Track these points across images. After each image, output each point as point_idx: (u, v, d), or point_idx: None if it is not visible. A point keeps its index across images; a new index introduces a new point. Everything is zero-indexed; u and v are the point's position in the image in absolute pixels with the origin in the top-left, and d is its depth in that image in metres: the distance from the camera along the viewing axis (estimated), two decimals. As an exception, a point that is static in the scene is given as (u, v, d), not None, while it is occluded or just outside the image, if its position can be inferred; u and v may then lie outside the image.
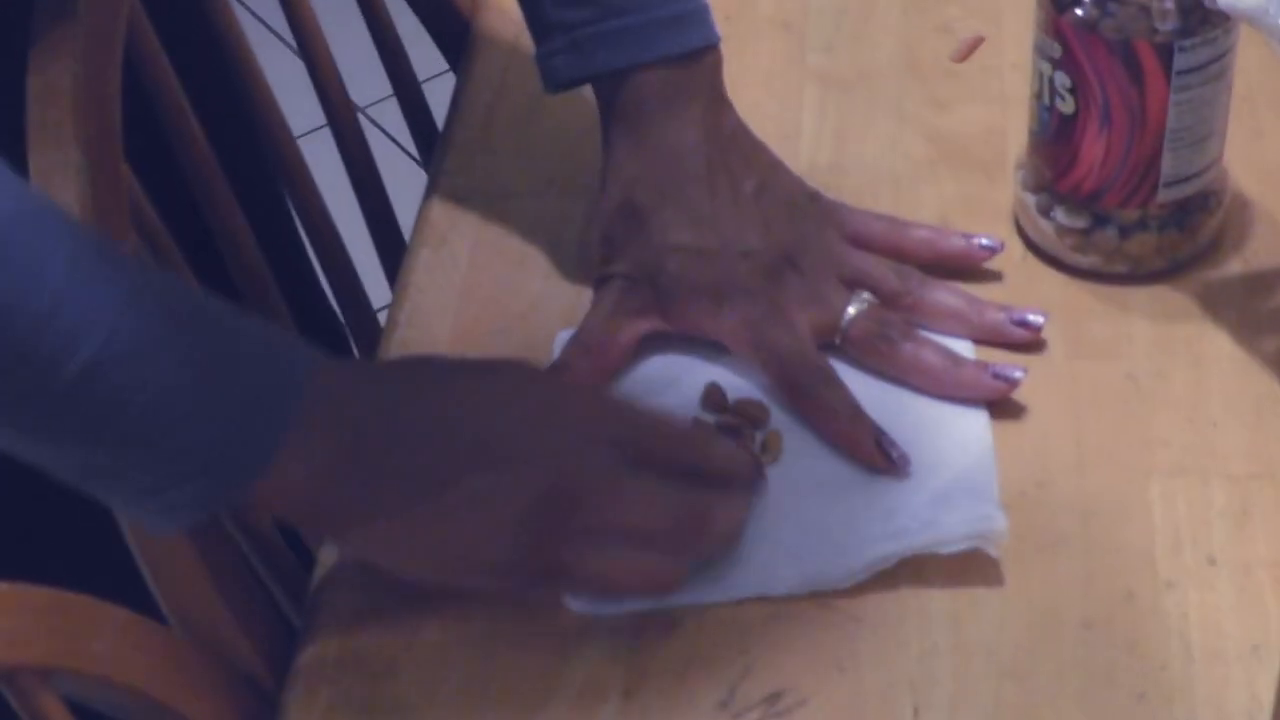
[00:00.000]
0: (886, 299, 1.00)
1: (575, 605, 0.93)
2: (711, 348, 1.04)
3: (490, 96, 1.24)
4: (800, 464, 0.99)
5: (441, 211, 1.17)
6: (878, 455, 0.96)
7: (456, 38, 1.34)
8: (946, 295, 1.01)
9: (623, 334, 1.02)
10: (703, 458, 0.93)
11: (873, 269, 1.01)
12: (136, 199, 1.04)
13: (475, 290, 1.11)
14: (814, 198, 1.06)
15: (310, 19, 1.25)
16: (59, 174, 0.93)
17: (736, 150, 1.05)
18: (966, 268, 1.04)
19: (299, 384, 0.86)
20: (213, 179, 1.14)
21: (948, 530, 0.93)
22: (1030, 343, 1.00)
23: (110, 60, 1.01)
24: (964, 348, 1.03)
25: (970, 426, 1.00)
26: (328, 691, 0.92)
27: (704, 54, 1.06)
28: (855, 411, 0.97)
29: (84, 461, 0.84)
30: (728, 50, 1.10)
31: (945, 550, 0.93)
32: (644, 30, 1.04)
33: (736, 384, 1.03)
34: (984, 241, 1.04)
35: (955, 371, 0.98)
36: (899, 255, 1.03)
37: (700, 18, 1.07)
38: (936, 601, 0.92)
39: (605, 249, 1.05)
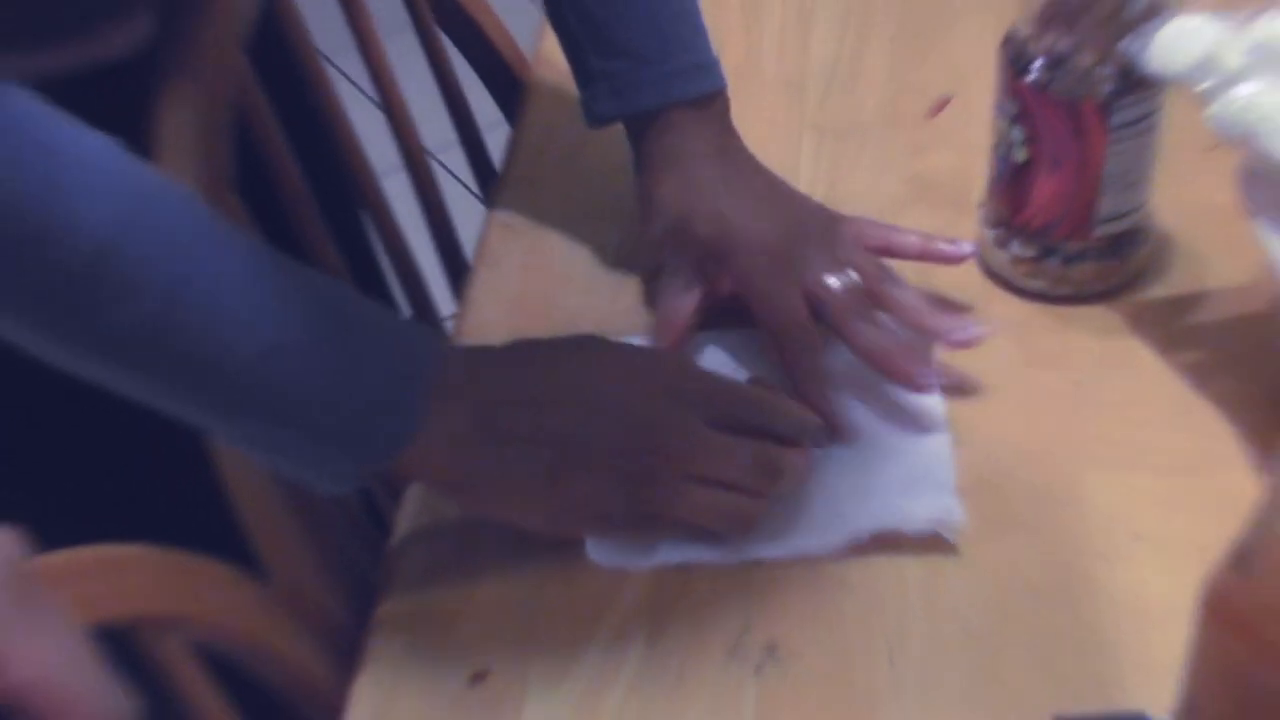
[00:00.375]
0: (867, 285, 1.01)
1: (596, 557, 0.94)
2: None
3: (538, 143, 1.25)
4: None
5: (498, 238, 1.17)
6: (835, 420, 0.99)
7: (511, 93, 1.34)
8: (911, 296, 1.01)
9: (682, 309, 1.04)
10: (770, 415, 0.95)
11: (862, 262, 1.02)
12: (243, 226, 1.05)
13: (524, 303, 1.12)
14: (818, 203, 1.08)
15: (389, 77, 1.26)
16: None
17: (743, 166, 1.07)
18: (948, 263, 1.05)
19: (435, 367, 0.89)
20: (307, 210, 1.14)
21: (913, 515, 0.94)
22: (968, 347, 1.00)
23: (222, 110, 1.02)
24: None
25: (928, 425, 1.00)
26: (402, 639, 0.93)
27: (715, 96, 1.09)
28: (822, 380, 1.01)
29: (256, 433, 0.88)
30: (739, 103, 1.12)
31: (910, 531, 0.94)
32: (670, 78, 1.07)
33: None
34: (966, 247, 1.04)
35: (891, 357, 0.99)
36: (890, 253, 1.04)
37: (712, 68, 1.09)
38: (910, 570, 0.93)
39: (651, 243, 1.08)
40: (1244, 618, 0.68)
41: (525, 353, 0.95)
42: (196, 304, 0.81)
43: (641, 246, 1.10)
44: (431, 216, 1.31)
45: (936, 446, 0.99)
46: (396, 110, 1.27)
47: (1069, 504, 0.96)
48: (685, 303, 1.04)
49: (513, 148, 1.26)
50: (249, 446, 0.89)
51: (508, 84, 1.35)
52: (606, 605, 0.93)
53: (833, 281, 1.01)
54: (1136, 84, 0.98)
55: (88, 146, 0.80)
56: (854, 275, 1.01)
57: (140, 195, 0.81)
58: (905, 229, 1.05)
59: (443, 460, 0.90)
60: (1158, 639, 0.87)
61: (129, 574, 0.84)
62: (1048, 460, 0.98)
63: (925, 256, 1.04)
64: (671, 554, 0.95)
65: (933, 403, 1.01)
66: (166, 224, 0.81)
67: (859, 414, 1.02)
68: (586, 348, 0.96)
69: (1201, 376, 1.02)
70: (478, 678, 0.90)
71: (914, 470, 0.98)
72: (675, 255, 1.05)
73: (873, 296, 1.01)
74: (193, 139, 0.98)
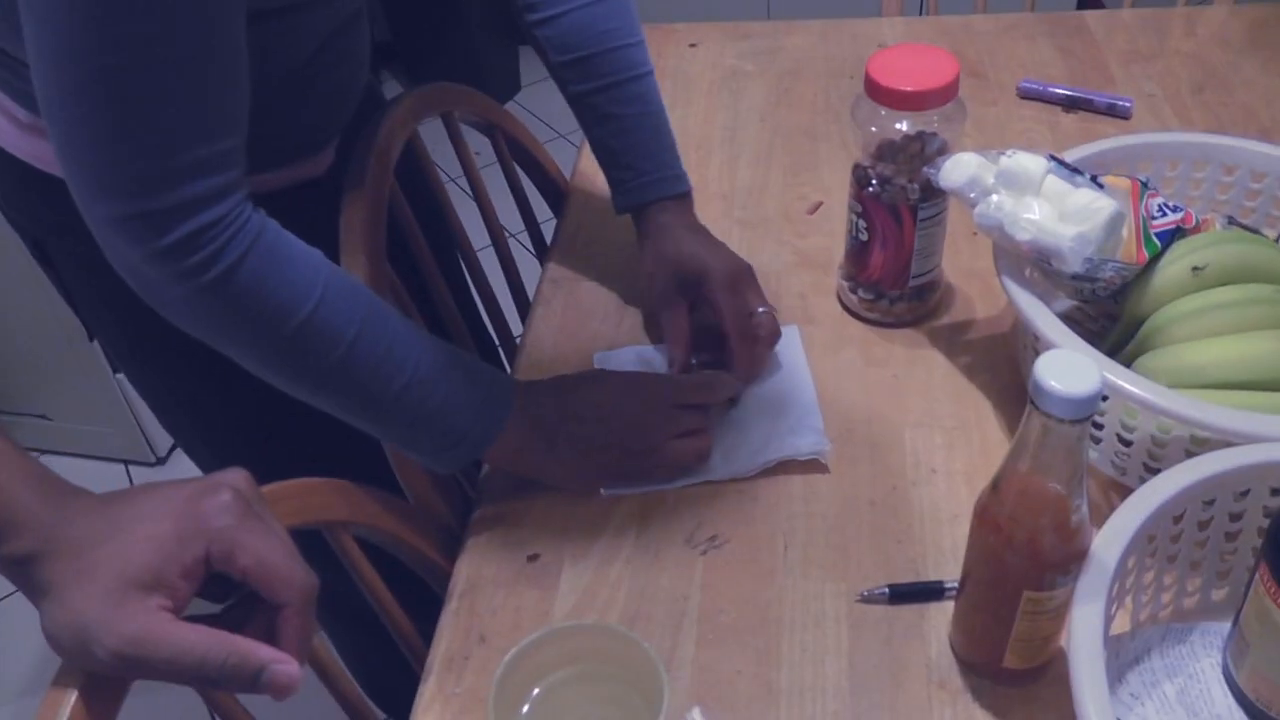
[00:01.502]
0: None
1: (606, 491, 0.92)
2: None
3: (574, 230, 1.21)
4: (717, 412, 0.98)
5: (548, 288, 1.14)
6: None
7: (557, 199, 1.31)
8: (768, 319, 1.00)
9: (679, 313, 1.02)
10: (708, 392, 0.95)
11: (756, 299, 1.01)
12: (394, 287, 1.02)
13: (565, 331, 1.09)
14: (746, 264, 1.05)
15: (483, 188, 1.23)
16: (355, 271, 0.92)
17: (703, 236, 1.05)
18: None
19: (510, 395, 0.89)
20: (432, 272, 1.12)
21: (801, 447, 0.92)
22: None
23: (381, 210, 1.00)
24: (796, 344, 1.03)
25: (805, 392, 0.98)
26: (487, 533, 0.90)
27: (685, 195, 1.07)
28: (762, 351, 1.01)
29: (399, 436, 0.86)
30: (696, 205, 1.09)
31: (799, 457, 0.92)
32: (657, 182, 1.06)
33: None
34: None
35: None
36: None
37: (684, 177, 1.08)
38: (796, 489, 0.90)
39: (649, 277, 1.05)
40: (995, 520, 0.66)
41: (563, 386, 0.93)
42: (365, 354, 0.80)
43: (642, 285, 1.08)
44: (508, 275, 1.27)
45: (809, 405, 0.97)
46: (486, 208, 1.23)
47: (892, 449, 0.93)
48: (682, 318, 1.02)
49: (557, 232, 1.23)
50: (398, 443, 0.88)
51: (555, 193, 1.32)
52: (611, 514, 0.91)
53: (761, 309, 0.99)
54: (932, 194, 0.95)
55: (302, 249, 0.80)
56: (773, 308, 1.01)
57: (332, 281, 0.80)
58: (760, 294, 1.02)
59: (514, 453, 0.89)
60: (946, 535, 0.86)
61: (322, 496, 0.82)
62: (878, 422, 0.95)
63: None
64: (651, 484, 0.92)
65: (806, 378, 1.00)
66: (348, 302, 0.80)
67: (766, 387, 1.00)
68: (600, 382, 0.94)
69: (971, 371, 0.99)
70: (532, 558, 0.87)
71: (798, 419, 0.95)
72: (664, 283, 1.03)
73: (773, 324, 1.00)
74: (362, 229, 0.96)
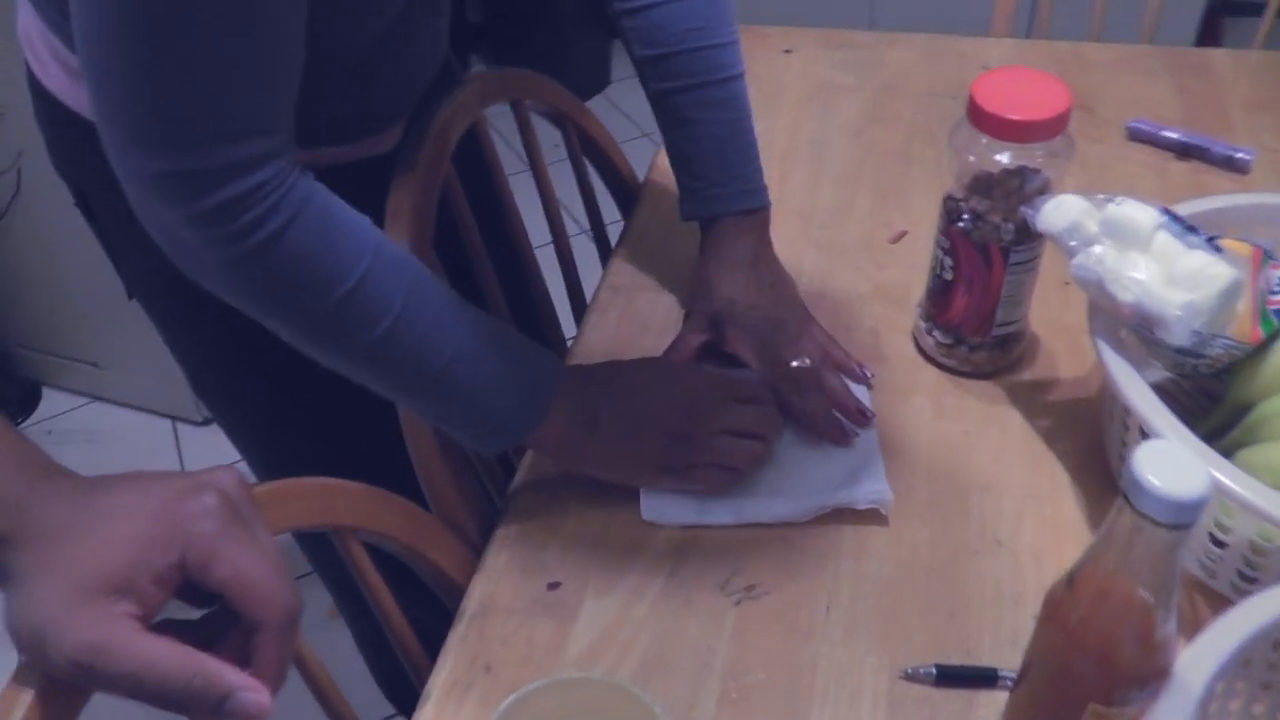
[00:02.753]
0: (815, 369, 0.93)
1: (646, 516, 0.85)
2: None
3: (640, 234, 1.15)
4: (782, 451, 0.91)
5: (606, 295, 1.08)
6: (836, 432, 0.91)
7: (628, 201, 1.24)
8: (834, 380, 0.93)
9: (693, 341, 0.97)
10: (760, 396, 0.90)
11: (813, 352, 0.94)
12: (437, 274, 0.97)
13: (618, 340, 1.02)
14: (802, 305, 0.99)
15: (546, 180, 1.17)
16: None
17: (765, 264, 0.99)
18: (853, 378, 0.95)
19: (555, 378, 0.84)
20: (485, 268, 1.06)
21: (860, 495, 0.85)
22: (860, 421, 0.92)
23: (432, 197, 0.94)
24: (862, 393, 0.95)
25: (867, 434, 0.90)
26: (508, 553, 0.84)
27: (760, 210, 1.01)
28: (817, 405, 0.92)
29: (441, 415, 0.82)
30: (772, 224, 1.02)
31: (856, 506, 0.84)
32: (728, 195, 1.00)
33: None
34: (866, 370, 0.96)
35: (827, 420, 0.91)
36: (826, 355, 0.95)
37: (761, 191, 1.02)
38: (847, 545, 0.83)
39: (693, 298, 1.00)
40: (1066, 620, 0.59)
41: (609, 369, 0.89)
42: (409, 329, 0.76)
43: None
44: (567, 276, 1.21)
45: (871, 449, 0.89)
46: (550, 204, 1.17)
47: (956, 513, 0.85)
48: (692, 341, 0.97)
49: (623, 235, 1.16)
50: (438, 422, 0.83)
51: (625, 194, 1.26)
52: (644, 547, 0.84)
53: (795, 363, 0.93)
54: (1027, 236, 0.88)
55: (350, 217, 0.75)
56: (808, 360, 0.93)
57: (381, 251, 0.75)
58: (838, 345, 0.97)
59: (557, 437, 0.84)
60: (1007, 617, 0.78)
61: (331, 498, 0.77)
62: (943, 482, 0.87)
63: (844, 368, 0.95)
64: (694, 517, 0.85)
65: (867, 430, 0.92)
66: (394, 274, 0.76)
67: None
68: (647, 365, 0.91)
69: (1049, 436, 0.91)
70: (553, 585, 0.81)
71: (859, 464, 0.87)
72: (700, 309, 0.98)
73: (816, 377, 0.93)
74: (410, 214, 0.90)
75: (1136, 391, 0.75)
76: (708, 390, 0.88)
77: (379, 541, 0.80)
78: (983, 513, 0.85)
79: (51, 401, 2.36)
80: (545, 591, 0.81)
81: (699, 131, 0.98)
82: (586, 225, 1.24)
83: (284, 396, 1.02)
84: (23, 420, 2.32)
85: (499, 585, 0.82)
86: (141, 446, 2.27)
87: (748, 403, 0.88)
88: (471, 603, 0.81)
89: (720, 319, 0.96)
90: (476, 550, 0.86)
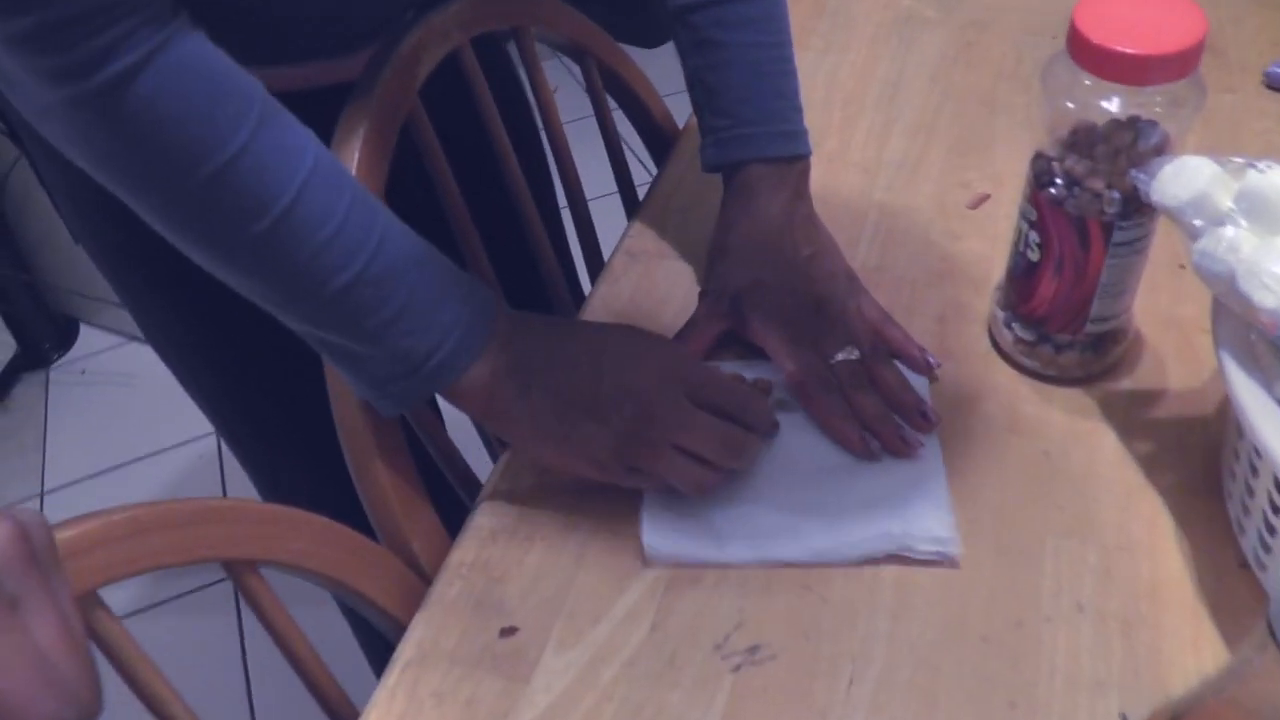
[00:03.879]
0: (864, 359, 0.76)
1: (650, 553, 0.68)
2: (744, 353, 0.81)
3: (669, 191, 0.97)
4: (804, 459, 0.73)
5: (621, 263, 0.90)
6: (859, 443, 0.72)
7: (663, 151, 1.06)
8: (888, 371, 0.75)
9: (708, 331, 0.81)
10: (741, 406, 0.71)
11: (862, 335, 0.77)
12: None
13: (629, 318, 0.85)
14: (850, 275, 0.81)
15: (557, 127, 0.99)
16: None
17: (803, 227, 0.81)
18: (915, 368, 0.77)
19: (491, 319, 0.69)
20: (467, 231, 0.89)
21: (918, 538, 0.67)
22: (920, 425, 0.74)
23: (384, 134, 0.77)
24: (922, 387, 0.76)
25: (929, 458, 0.72)
26: (459, 586, 0.67)
27: (797, 160, 0.83)
28: (845, 412, 0.74)
29: (336, 345, 0.67)
30: (828, 179, 0.88)
31: (914, 554, 0.66)
32: (759, 138, 0.82)
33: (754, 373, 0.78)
34: (930, 358, 0.77)
35: (882, 422, 0.73)
36: (881, 337, 0.78)
37: (800, 136, 0.84)
38: (883, 597, 0.65)
39: (709, 273, 0.83)
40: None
41: (562, 330, 0.73)
42: (305, 223, 0.62)
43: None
44: (584, 242, 1.04)
45: (935, 478, 0.71)
46: (563, 158, 1.00)
47: (1026, 562, 0.66)
48: (707, 330, 0.80)
49: (649, 194, 0.99)
50: (332, 356, 0.68)
51: (660, 144, 1.08)
52: (625, 589, 0.67)
53: (839, 355, 0.75)
54: (1136, 210, 0.69)
55: (230, 72, 0.61)
56: (854, 352, 0.76)
57: (266, 122, 0.61)
58: (893, 322, 0.78)
59: (483, 393, 0.69)
60: (1083, 710, 0.59)
61: (219, 524, 0.61)
62: (1013, 518, 0.68)
63: (902, 351, 0.77)
64: (707, 552, 0.68)
65: (930, 442, 0.73)
66: (281, 159, 0.61)
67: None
68: (608, 335, 0.73)
69: (1151, 466, 0.71)
70: (507, 631, 0.65)
71: (919, 498, 0.69)
72: (717, 288, 0.81)
73: (867, 369, 0.75)
74: (360, 159, 0.73)
75: (1273, 430, 0.56)
76: (670, 387, 0.69)
77: (292, 574, 0.64)
78: (1060, 565, 0.66)
79: (89, 340, 2.27)
80: (497, 639, 0.64)
81: (725, 56, 0.81)
82: (613, 185, 1.06)
83: (228, 363, 0.89)
84: (58, 357, 2.23)
85: (444, 627, 0.65)
86: (177, 392, 2.16)
87: (723, 407, 0.70)
88: (408, 647, 0.65)
89: (742, 303, 0.78)
90: (426, 577, 0.71)
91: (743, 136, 0.82)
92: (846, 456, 0.73)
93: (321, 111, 0.70)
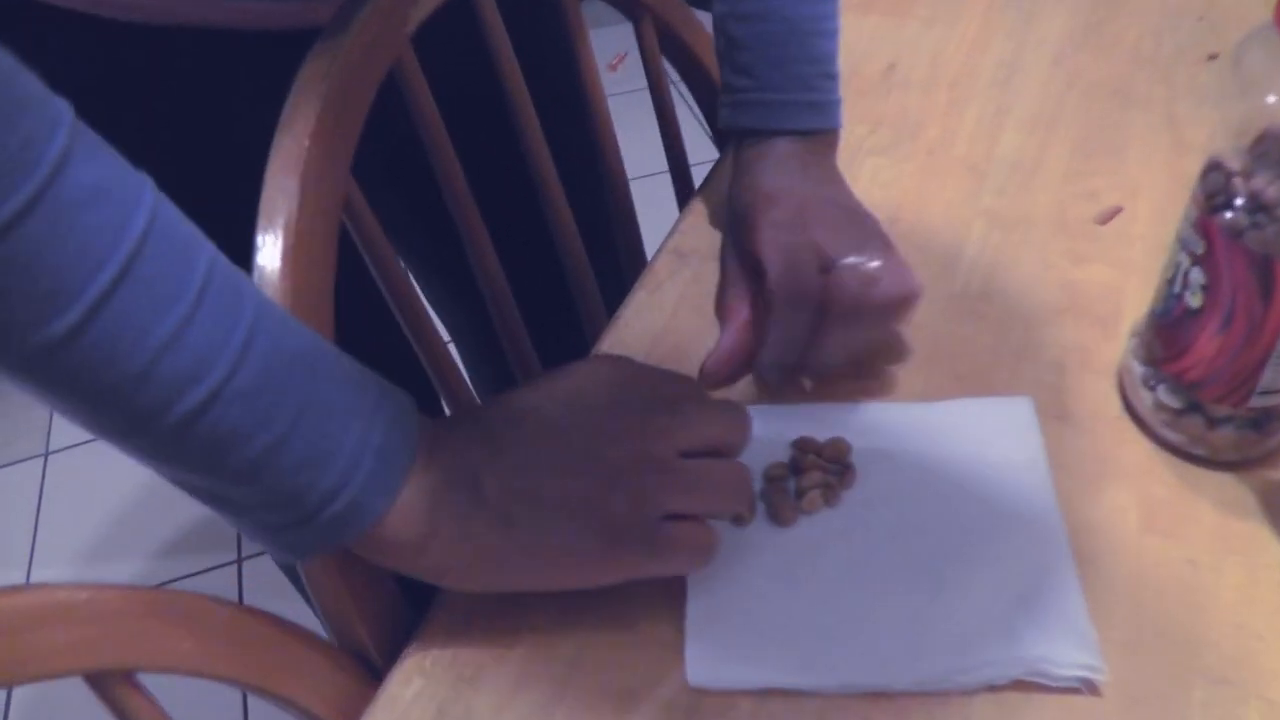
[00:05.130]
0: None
1: (695, 680, 0.51)
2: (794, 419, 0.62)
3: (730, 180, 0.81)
4: (894, 556, 0.56)
5: (664, 264, 0.74)
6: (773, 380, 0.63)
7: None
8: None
9: (740, 304, 0.66)
10: (721, 438, 0.53)
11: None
12: (364, 228, 0.64)
13: (668, 335, 0.68)
14: (870, 228, 0.66)
15: (597, 94, 0.82)
16: (279, 200, 0.54)
17: (819, 207, 0.66)
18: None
19: (412, 432, 0.49)
20: (472, 220, 0.72)
21: (1059, 666, 0.50)
22: None
23: (358, 91, 0.60)
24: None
25: (1055, 547, 0.55)
26: (419, 684, 0.52)
27: (825, 134, 0.71)
28: (792, 344, 0.62)
29: (206, 488, 0.45)
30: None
31: (1051, 680, 0.50)
32: (783, 107, 0.70)
33: (820, 433, 0.61)
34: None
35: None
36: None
37: (830, 108, 0.71)
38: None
39: (728, 239, 0.71)
40: None
41: (494, 405, 0.53)
42: (125, 322, 0.40)
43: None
44: (627, 234, 0.88)
45: (1065, 579, 0.54)
46: (603, 129, 0.83)
47: (1162, 716, 0.49)
48: (738, 315, 0.65)
49: (706, 181, 0.82)
50: (203, 500, 0.47)
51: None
52: (631, 711, 0.50)
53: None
54: (1344, 252, 0.52)
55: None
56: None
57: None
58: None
59: (416, 533, 0.48)
60: None
61: (81, 624, 0.45)
62: (1150, 659, 0.51)
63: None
64: (778, 677, 0.51)
65: (1056, 531, 0.56)
66: (112, 213, 0.40)
67: (976, 536, 0.56)
68: (568, 383, 0.53)
69: (1334, 590, 0.55)
70: (473, 758, 0.50)
71: (1051, 605, 0.53)
72: (730, 259, 0.69)
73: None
74: (321, 112, 0.56)
75: None
76: (647, 438, 0.51)
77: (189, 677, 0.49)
78: (1211, 723, 0.50)
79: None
80: (459, 766, 0.49)
81: (756, 6, 0.67)
82: (663, 163, 0.90)
83: None
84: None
85: (390, 745, 0.51)
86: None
87: (707, 436, 0.53)
88: (343, 766, 0.50)
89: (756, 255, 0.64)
90: (380, 674, 0.55)
91: (763, 103, 0.69)
92: (950, 548, 0.56)
93: (285, 66, 0.56)
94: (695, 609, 0.54)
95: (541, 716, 0.50)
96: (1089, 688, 0.50)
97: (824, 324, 0.61)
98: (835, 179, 0.70)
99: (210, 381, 0.42)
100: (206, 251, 0.43)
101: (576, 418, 0.51)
